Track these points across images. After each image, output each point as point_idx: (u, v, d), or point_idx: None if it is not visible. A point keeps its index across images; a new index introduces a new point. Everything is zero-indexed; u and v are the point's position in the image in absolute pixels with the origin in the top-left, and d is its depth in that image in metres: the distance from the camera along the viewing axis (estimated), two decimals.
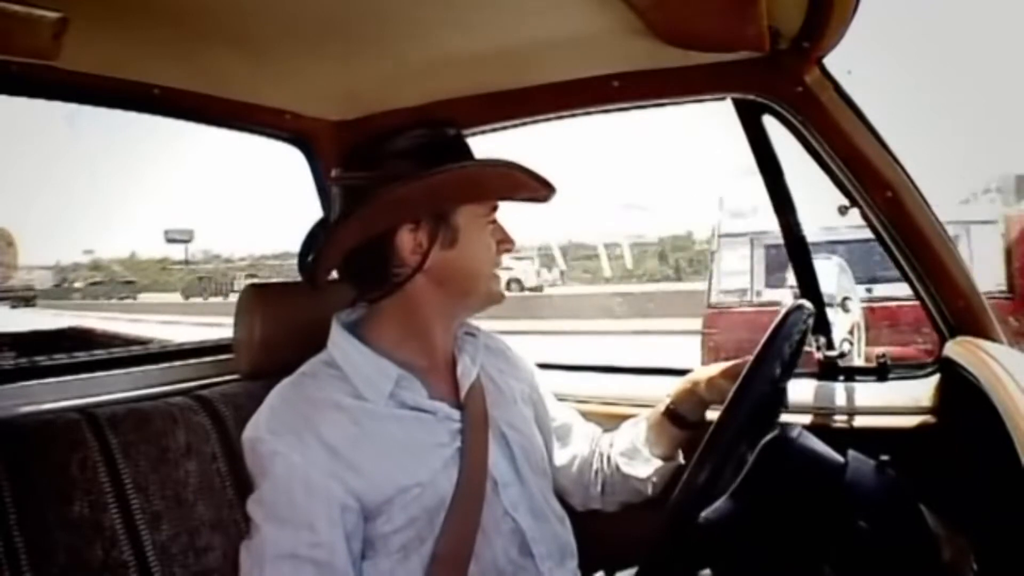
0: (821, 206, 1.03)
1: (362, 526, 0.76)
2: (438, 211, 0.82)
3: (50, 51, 0.74)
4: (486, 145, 1.15)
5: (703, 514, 0.70)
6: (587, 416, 1.07)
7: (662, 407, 0.96)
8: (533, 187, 0.86)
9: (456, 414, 0.84)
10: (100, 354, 1.07)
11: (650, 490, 0.95)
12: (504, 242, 0.88)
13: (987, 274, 3.45)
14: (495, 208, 0.87)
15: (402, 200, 0.80)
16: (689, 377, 0.95)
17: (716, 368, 0.92)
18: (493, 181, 0.84)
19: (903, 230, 0.96)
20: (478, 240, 0.84)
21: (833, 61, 0.92)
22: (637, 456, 0.96)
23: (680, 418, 0.94)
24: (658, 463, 0.95)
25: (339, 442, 0.76)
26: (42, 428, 0.76)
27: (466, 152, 0.85)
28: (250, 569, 0.74)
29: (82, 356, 1.02)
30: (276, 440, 0.75)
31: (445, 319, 0.87)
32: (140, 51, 0.94)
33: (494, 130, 1.21)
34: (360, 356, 0.82)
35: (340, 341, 0.84)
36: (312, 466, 0.74)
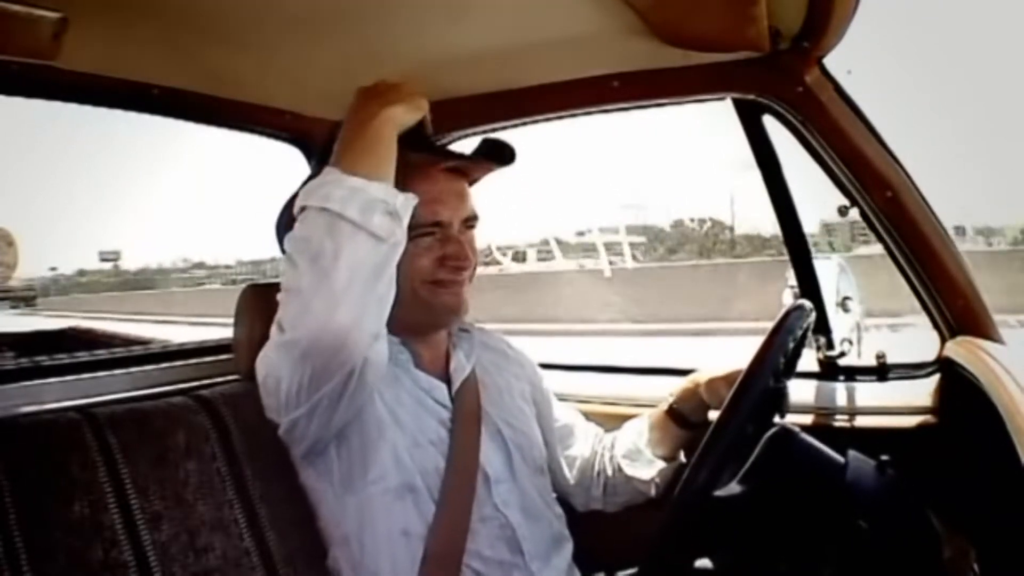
0: None
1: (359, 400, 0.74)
2: None
3: (50, 51, 0.74)
4: None
5: (716, 493, 0.70)
6: (589, 416, 1.07)
7: (664, 407, 0.96)
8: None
9: (446, 413, 0.84)
10: (100, 354, 1.07)
11: (653, 491, 0.95)
12: (448, 259, 0.81)
13: None
14: (435, 223, 0.80)
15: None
16: (691, 377, 0.96)
17: (716, 372, 0.92)
18: None
19: (903, 230, 0.96)
20: None
21: (833, 61, 0.93)
22: (640, 457, 0.96)
23: (683, 418, 0.94)
24: (661, 464, 0.95)
25: None
26: (42, 428, 0.76)
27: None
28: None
29: (82, 356, 1.02)
30: None
31: (401, 324, 0.81)
32: (140, 51, 0.94)
33: (494, 130, 1.21)
34: None
35: None
36: None
